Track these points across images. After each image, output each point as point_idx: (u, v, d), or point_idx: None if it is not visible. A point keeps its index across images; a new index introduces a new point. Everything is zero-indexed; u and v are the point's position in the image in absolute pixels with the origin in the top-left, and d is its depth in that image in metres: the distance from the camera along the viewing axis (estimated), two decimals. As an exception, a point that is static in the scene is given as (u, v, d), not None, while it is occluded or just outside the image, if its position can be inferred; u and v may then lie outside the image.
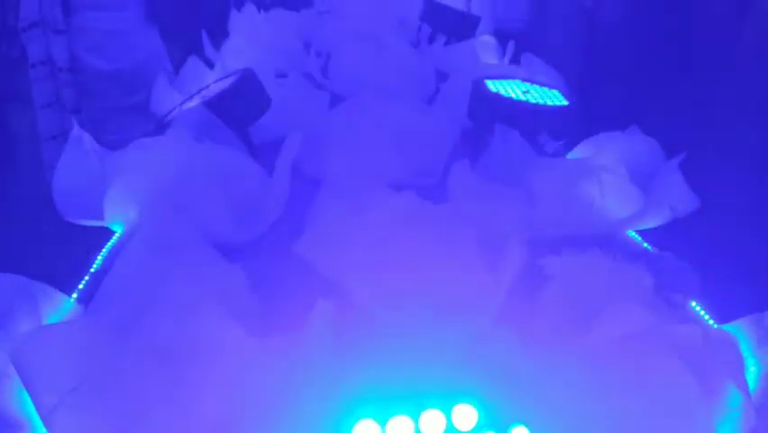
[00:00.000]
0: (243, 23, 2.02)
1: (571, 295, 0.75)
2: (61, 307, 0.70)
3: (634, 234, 0.94)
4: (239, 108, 1.09)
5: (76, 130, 0.91)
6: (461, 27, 1.95)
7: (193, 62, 1.42)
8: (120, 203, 0.86)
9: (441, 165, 1.09)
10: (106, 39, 2.27)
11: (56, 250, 1.35)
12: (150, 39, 2.38)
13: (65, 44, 2.22)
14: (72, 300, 0.73)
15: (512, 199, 0.87)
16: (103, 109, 2.30)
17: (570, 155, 1.12)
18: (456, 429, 0.51)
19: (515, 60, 1.65)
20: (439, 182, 1.06)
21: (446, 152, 1.13)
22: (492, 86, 1.19)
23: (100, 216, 0.88)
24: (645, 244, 0.91)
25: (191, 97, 1.19)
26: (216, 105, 1.05)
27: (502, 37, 2.44)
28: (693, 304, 0.78)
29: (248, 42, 1.75)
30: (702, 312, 0.77)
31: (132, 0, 2.31)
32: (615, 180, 0.94)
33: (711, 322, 0.76)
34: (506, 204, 0.84)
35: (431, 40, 1.98)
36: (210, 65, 1.63)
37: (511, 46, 1.71)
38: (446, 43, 1.89)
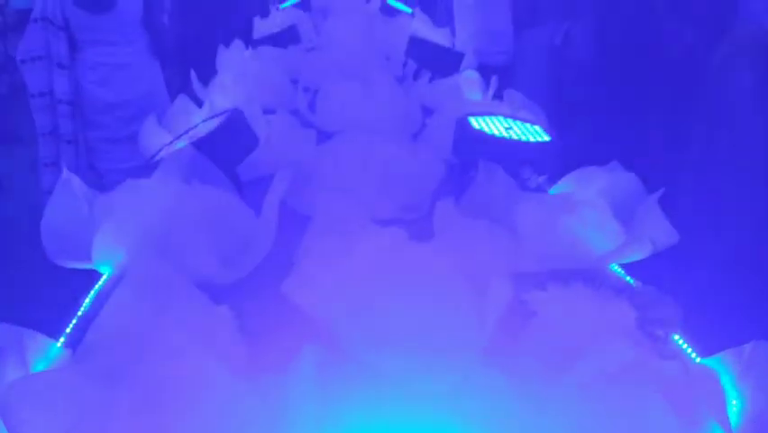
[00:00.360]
0: (231, 59, 2.05)
1: (556, 331, 0.76)
2: (49, 353, 0.70)
3: (617, 267, 0.95)
4: (227, 148, 1.10)
5: (65, 173, 0.92)
6: (445, 63, 2.00)
7: (181, 101, 1.43)
8: (108, 245, 0.86)
9: (426, 201, 1.11)
10: (113, 72, 2.41)
11: (44, 293, 1.34)
12: (152, 70, 2.51)
13: (67, 78, 2.35)
14: (59, 346, 0.73)
15: (497, 235, 0.88)
16: (105, 139, 2.43)
17: (552, 190, 1.14)
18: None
19: (498, 95, 1.69)
20: (425, 217, 1.08)
21: (431, 188, 1.15)
22: (476, 123, 1.22)
23: (88, 259, 0.88)
24: (628, 278, 0.93)
25: (179, 137, 1.21)
26: (205, 145, 1.06)
27: (485, 70, 2.50)
28: (676, 337, 0.79)
29: (236, 79, 1.77)
30: (685, 345, 0.79)
31: (138, 35, 2.46)
32: (597, 215, 0.96)
33: (694, 355, 0.77)
34: (490, 240, 0.85)
35: (416, 75, 2.02)
36: (199, 102, 1.66)
37: (494, 81, 1.74)
38: (431, 79, 1.93)
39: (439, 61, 2.02)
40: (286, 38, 2.35)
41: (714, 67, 1.50)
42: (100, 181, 2.43)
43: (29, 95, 2.37)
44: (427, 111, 1.73)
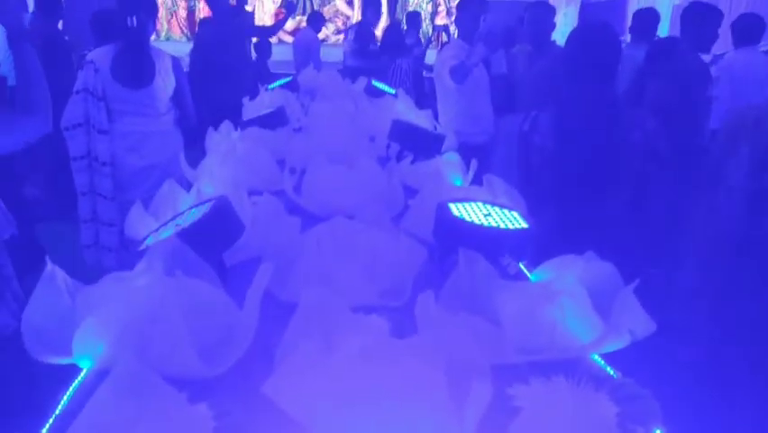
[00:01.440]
0: (220, 141, 2.10)
1: (539, 427, 0.76)
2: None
3: (597, 357, 0.96)
4: (212, 236, 1.12)
5: (49, 266, 0.92)
6: (427, 145, 2.06)
7: (169, 185, 1.46)
8: (88, 341, 0.86)
9: (408, 287, 1.13)
10: (142, 140, 2.76)
11: (22, 389, 1.31)
12: (176, 138, 2.87)
13: (107, 143, 2.70)
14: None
15: (478, 329, 0.90)
16: (132, 201, 2.57)
17: (532, 276, 1.16)
18: None
19: (477, 178, 1.74)
20: (407, 305, 1.09)
21: (413, 274, 1.17)
22: (455, 209, 1.25)
23: (69, 354, 0.87)
24: (608, 369, 0.94)
25: (166, 224, 1.22)
26: (189, 234, 1.08)
27: (466, 149, 2.59)
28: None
29: (223, 162, 1.82)
30: (665, 440, 0.79)
31: (168, 108, 2.82)
32: (576, 305, 0.98)
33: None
34: (472, 335, 0.86)
35: (399, 157, 2.08)
36: (188, 184, 1.69)
37: (474, 164, 1.80)
38: (413, 161, 1.99)
39: (421, 143, 2.08)
40: (274, 119, 2.42)
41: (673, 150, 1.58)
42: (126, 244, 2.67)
43: (71, 158, 2.71)
44: (410, 191, 1.78)
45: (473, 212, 1.25)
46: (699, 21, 3.06)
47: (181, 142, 2.90)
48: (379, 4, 4.31)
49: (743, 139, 1.64)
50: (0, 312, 1.44)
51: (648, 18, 3.80)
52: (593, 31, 1.78)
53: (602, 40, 1.74)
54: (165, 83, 2.77)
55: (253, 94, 3.12)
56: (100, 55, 2.72)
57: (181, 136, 2.92)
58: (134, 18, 2.50)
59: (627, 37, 4.02)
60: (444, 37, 6.18)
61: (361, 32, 4.86)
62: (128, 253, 2.82)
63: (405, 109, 2.77)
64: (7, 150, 2.27)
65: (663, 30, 6.39)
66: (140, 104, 2.72)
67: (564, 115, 1.80)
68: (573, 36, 1.82)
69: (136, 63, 2.69)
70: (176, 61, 2.85)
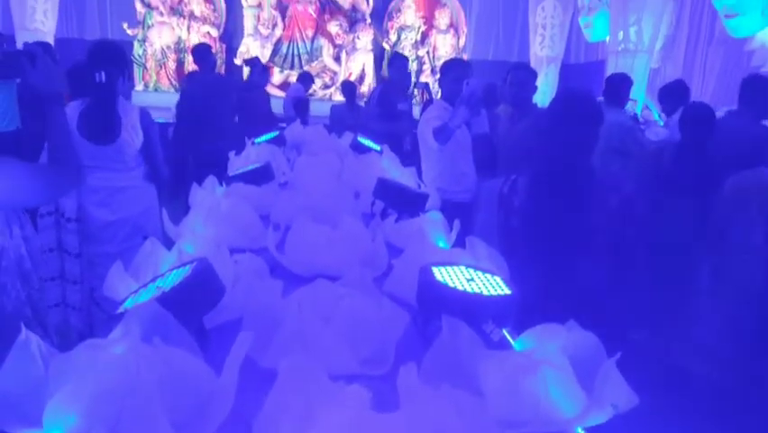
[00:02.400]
0: (204, 197, 2.10)
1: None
2: None
3: (580, 430, 0.95)
4: (193, 301, 1.10)
5: (23, 333, 0.90)
6: (411, 203, 2.08)
7: (150, 244, 1.45)
8: (60, 412, 0.83)
9: (391, 356, 1.12)
10: (113, 195, 2.75)
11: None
12: (148, 192, 2.87)
13: (74, 198, 2.67)
14: None
15: (461, 402, 0.88)
16: (103, 254, 2.72)
17: (516, 344, 1.16)
18: None
19: (460, 237, 1.75)
20: (388, 373, 1.08)
21: (395, 340, 1.16)
22: (438, 273, 1.26)
23: (39, 425, 0.84)
24: (592, 442, 0.93)
25: (146, 285, 1.21)
26: (170, 298, 1.06)
27: (450, 207, 2.61)
28: None
29: (206, 220, 1.81)
30: None
31: (137, 163, 2.81)
32: (559, 376, 0.98)
33: None
34: (454, 407, 0.85)
35: (383, 215, 2.10)
36: (170, 242, 1.68)
37: (456, 225, 1.82)
38: (397, 219, 2.00)
39: (405, 201, 2.11)
40: (260, 174, 2.44)
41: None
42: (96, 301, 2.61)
43: (38, 215, 2.64)
44: (393, 250, 1.79)
45: (456, 277, 1.25)
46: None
47: (153, 196, 2.89)
48: (406, 67, 4.19)
49: (752, 200, 1.70)
50: None
51: (621, 84, 3.96)
52: (576, 103, 1.82)
53: (585, 113, 1.79)
54: (132, 138, 2.76)
55: (240, 148, 3.15)
56: (69, 111, 2.70)
57: (154, 190, 2.90)
58: (102, 73, 2.51)
59: (601, 98, 4.17)
60: (426, 95, 6.31)
61: (385, 95, 4.75)
62: (99, 311, 2.76)
63: (390, 166, 2.81)
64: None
65: (639, 94, 6.61)
66: (108, 159, 2.71)
67: (542, 179, 1.83)
68: (556, 106, 1.87)
69: (102, 119, 2.68)
70: (145, 115, 2.84)
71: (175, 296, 1.07)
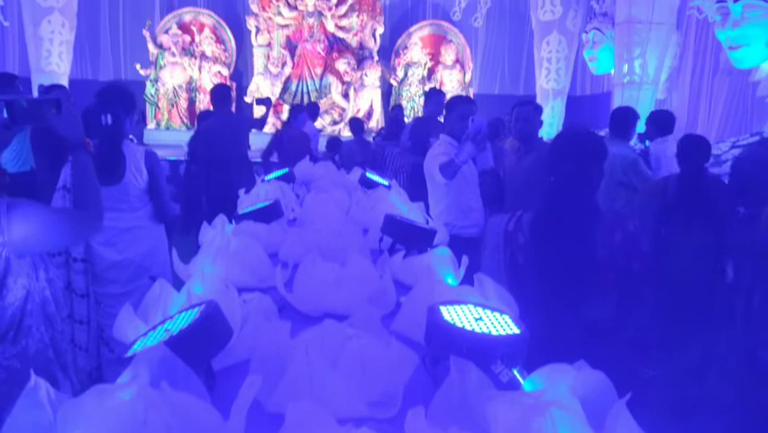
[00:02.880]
0: (214, 235, 2.12)
1: None
2: None
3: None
4: (201, 344, 1.11)
5: (33, 379, 0.91)
6: (418, 239, 2.09)
7: (160, 286, 1.46)
8: (67, 460, 0.83)
9: (399, 398, 1.11)
10: (119, 235, 2.77)
11: None
12: (155, 232, 2.88)
13: None
14: None
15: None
16: (110, 295, 2.75)
17: (524, 384, 1.15)
18: None
19: (468, 273, 1.75)
20: (396, 416, 1.07)
21: (404, 382, 1.15)
22: (447, 313, 1.25)
23: (44, 474, 0.84)
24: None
25: (155, 328, 1.21)
26: (178, 342, 1.07)
27: (458, 242, 2.61)
28: None
29: (216, 257, 1.83)
30: None
31: (143, 204, 2.84)
32: (569, 417, 0.96)
33: None
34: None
35: (391, 251, 2.10)
36: (179, 281, 1.69)
37: (465, 260, 1.82)
38: (405, 255, 2.00)
39: (413, 237, 2.11)
40: (269, 212, 2.46)
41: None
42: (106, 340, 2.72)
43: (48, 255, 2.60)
44: (401, 286, 1.79)
45: (465, 316, 1.25)
46: None
47: (160, 236, 2.91)
48: (442, 103, 4.17)
49: None
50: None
51: (626, 116, 3.98)
52: (581, 142, 1.82)
53: (591, 153, 1.79)
54: (137, 179, 2.80)
55: (250, 186, 3.19)
56: None
57: (161, 230, 2.93)
58: (108, 116, 2.55)
59: (606, 132, 4.19)
60: None
61: (417, 129, 4.75)
62: (109, 351, 2.76)
63: (398, 201, 2.83)
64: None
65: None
66: (114, 200, 2.73)
67: (546, 215, 1.83)
68: (561, 144, 1.87)
69: (108, 160, 2.72)
70: (151, 156, 2.87)
71: (183, 339, 1.08)
